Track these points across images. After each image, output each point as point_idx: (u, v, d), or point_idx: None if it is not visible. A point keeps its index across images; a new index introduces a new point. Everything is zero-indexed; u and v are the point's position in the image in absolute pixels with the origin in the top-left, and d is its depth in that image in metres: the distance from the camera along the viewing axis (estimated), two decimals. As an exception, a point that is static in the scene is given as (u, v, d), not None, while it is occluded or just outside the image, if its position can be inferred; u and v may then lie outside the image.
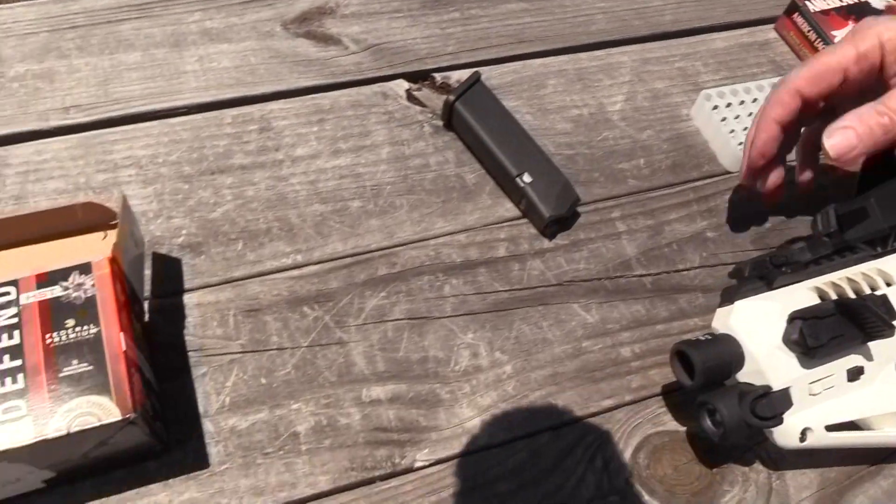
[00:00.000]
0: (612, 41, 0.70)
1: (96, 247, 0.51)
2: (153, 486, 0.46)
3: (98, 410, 0.39)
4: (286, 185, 0.57)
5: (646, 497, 0.48)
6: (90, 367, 0.40)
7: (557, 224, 0.57)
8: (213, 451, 0.47)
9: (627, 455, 0.50)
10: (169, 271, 0.53)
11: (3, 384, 0.39)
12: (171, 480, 0.46)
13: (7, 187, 0.55)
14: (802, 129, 0.54)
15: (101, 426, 0.39)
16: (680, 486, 0.49)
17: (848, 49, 0.48)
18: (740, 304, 0.47)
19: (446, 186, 0.59)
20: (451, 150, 0.61)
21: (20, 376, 0.40)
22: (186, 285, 0.52)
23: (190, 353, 0.50)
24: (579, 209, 0.59)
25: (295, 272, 0.53)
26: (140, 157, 0.57)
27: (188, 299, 0.52)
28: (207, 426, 0.48)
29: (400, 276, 0.54)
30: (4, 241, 0.49)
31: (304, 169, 0.58)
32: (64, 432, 0.39)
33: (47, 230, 0.51)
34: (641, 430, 0.51)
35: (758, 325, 0.46)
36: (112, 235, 0.52)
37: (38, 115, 0.58)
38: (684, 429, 0.51)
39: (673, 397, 0.52)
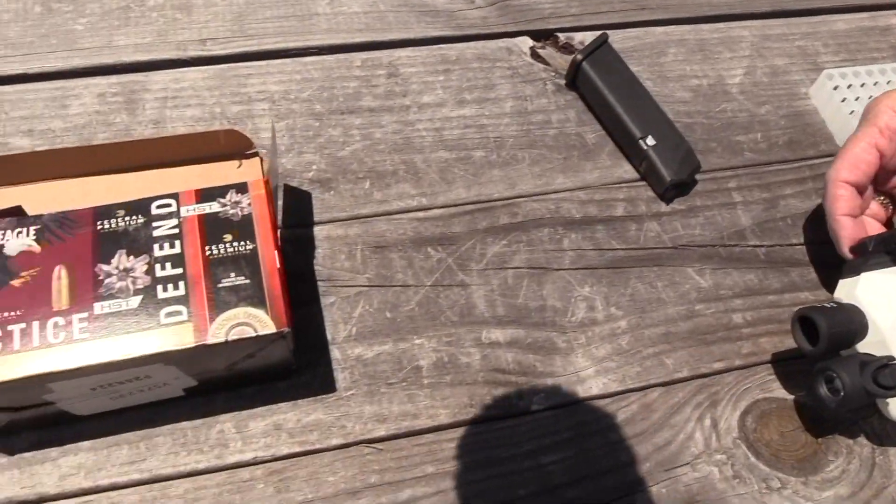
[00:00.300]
0: (734, 14, 0.70)
1: (232, 174, 0.53)
2: (282, 405, 0.48)
3: (254, 322, 0.41)
4: (412, 130, 0.59)
5: (752, 458, 0.49)
6: (247, 281, 0.42)
7: (676, 189, 0.57)
8: (340, 377, 0.49)
9: (735, 417, 0.51)
10: (299, 204, 0.54)
11: (165, 290, 0.41)
12: (299, 401, 0.48)
13: (146, 112, 0.57)
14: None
15: (257, 337, 0.41)
16: (785, 451, 0.50)
17: (870, 129, 0.51)
18: (867, 276, 0.48)
19: (567, 144, 0.60)
20: (572, 109, 0.61)
21: (181, 284, 0.42)
22: (316, 218, 0.54)
23: (319, 283, 0.52)
24: (696, 177, 0.59)
25: (420, 214, 0.55)
26: (273, 93, 0.59)
27: (318, 231, 0.54)
28: (335, 353, 0.49)
29: (521, 227, 0.55)
30: (152, 160, 0.51)
31: (429, 116, 0.60)
32: (222, 339, 0.41)
33: (188, 154, 0.53)
34: (750, 394, 0.52)
35: (884, 298, 0.47)
36: (247, 165, 0.54)
37: (176, 44, 0.60)
38: (792, 397, 0.52)
39: (782, 366, 0.53)
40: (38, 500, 0.44)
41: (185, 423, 0.47)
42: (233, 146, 0.53)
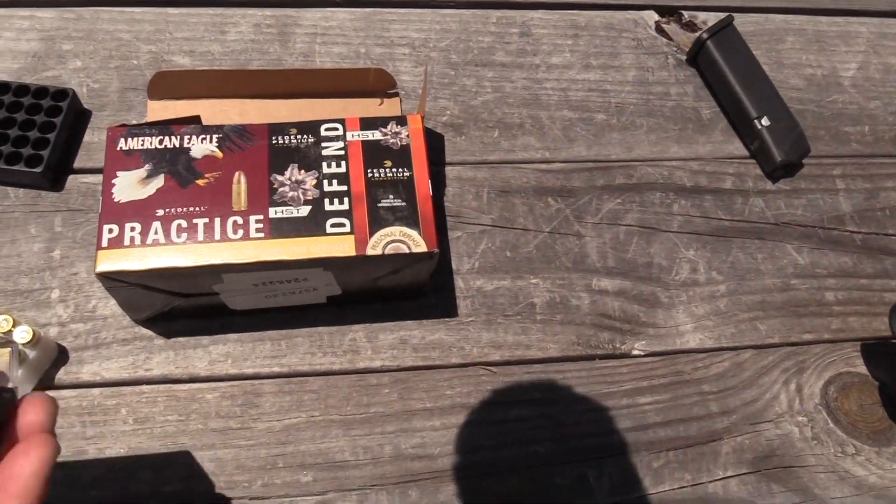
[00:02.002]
0: (853, 10, 0.72)
1: (373, 110, 0.58)
2: (409, 322, 0.53)
3: (408, 240, 0.46)
4: (540, 87, 0.63)
5: (830, 424, 0.53)
6: (403, 204, 0.47)
7: (784, 169, 0.61)
8: (461, 304, 0.54)
9: (819, 385, 0.55)
10: (433, 144, 0.59)
11: (332, 203, 0.46)
12: (424, 321, 0.53)
13: (297, 45, 0.62)
14: None
15: (409, 254, 0.46)
16: (862, 422, 0.54)
17: None
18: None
19: (683, 117, 0.63)
20: (690, 85, 0.65)
21: (346, 199, 0.47)
22: (447, 159, 0.59)
23: (448, 218, 0.56)
24: (804, 161, 0.62)
25: (542, 166, 0.59)
26: (413, 39, 0.63)
27: (449, 171, 0.58)
28: (458, 282, 0.54)
29: (635, 188, 0.59)
30: (302, 90, 0.56)
31: (556, 76, 0.63)
32: (379, 252, 0.45)
33: (338, 87, 0.57)
34: (835, 366, 0.55)
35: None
36: (387, 104, 0.59)
37: (326, -15, 0.65)
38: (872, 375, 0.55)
39: (867, 346, 0.56)
40: (189, 379, 0.50)
41: (322, 328, 0.52)
42: (379, 85, 0.58)
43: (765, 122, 0.60)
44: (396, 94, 0.59)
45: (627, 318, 0.54)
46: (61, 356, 0.49)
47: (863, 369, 0.56)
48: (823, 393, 0.54)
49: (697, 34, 0.63)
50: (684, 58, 0.65)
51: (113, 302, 0.50)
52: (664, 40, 0.66)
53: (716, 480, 0.50)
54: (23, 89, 0.56)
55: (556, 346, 0.53)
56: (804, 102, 0.65)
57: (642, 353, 0.53)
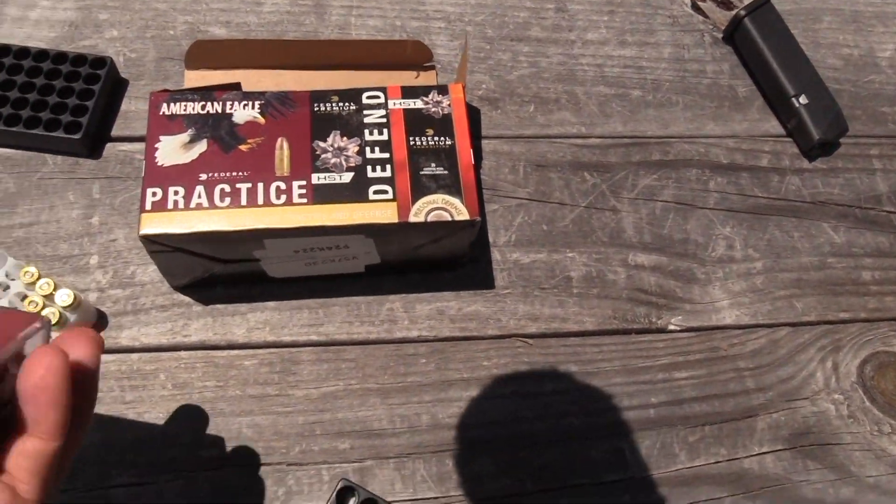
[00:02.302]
0: (891, -10, 0.71)
1: (409, 83, 0.58)
2: (446, 294, 0.53)
3: (450, 208, 0.46)
4: (576, 63, 0.62)
5: (867, 402, 0.53)
6: (445, 172, 0.47)
7: (821, 148, 0.60)
8: (498, 276, 0.54)
9: (855, 364, 0.54)
10: (470, 119, 0.59)
11: (374, 170, 0.46)
12: (461, 292, 0.53)
13: (332, 17, 0.62)
14: None
15: (452, 222, 0.46)
16: (899, 402, 0.54)
17: None
18: None
19: (719, 94, 0.63)
20: (727, 63, 0.65)
21: (388, 167, 0.47)
22: (484, 133, 0.59)
23: (484, 191, 0.56)
24: (840, 140, 0.62)
25: (579, 141, 0.59)
26: (449, 13, 0.63)
27: (485, 145, 0.58)
28: (495, 255, 0.54)
29: (671, 164, 0.59)
30: (339, 61, 0.56)
31: (592, 52, 0.63)
32: (422, 220, 0.45)
33: (374, 59, 0.57)
34: (871, 345, 0.55)
35: None
36: (423, 76, 0.59)
37: (362, -42, 0.65)
38: (911, 354, 0.55)
39: (904, 325, 0.56)
40: (227, 345, 0.50)
41: (359, 298, 0.52)
42: (416, 57, 0.58)
43: (802, 100, 0.59)
44: (433, 68, 0.59)
45: (664, 294, 0.54)
46: (100, 321, 0.49)
47: (899, 349, 0.55)
48: (860, 372, 0.54)
49: (734, 12, 0.63)
50: (720, 36, 0.65)
51: (152, 268, 0.50)
52: (700, 18, 0.66)
53: (751, 456, 0.50)
54: (61, 57, 0.56)
55: (593, 320, 0.53)
56: (841, 82, 0.65)
57: (678, 329, 0.53)
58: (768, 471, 0.50)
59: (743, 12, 0.62)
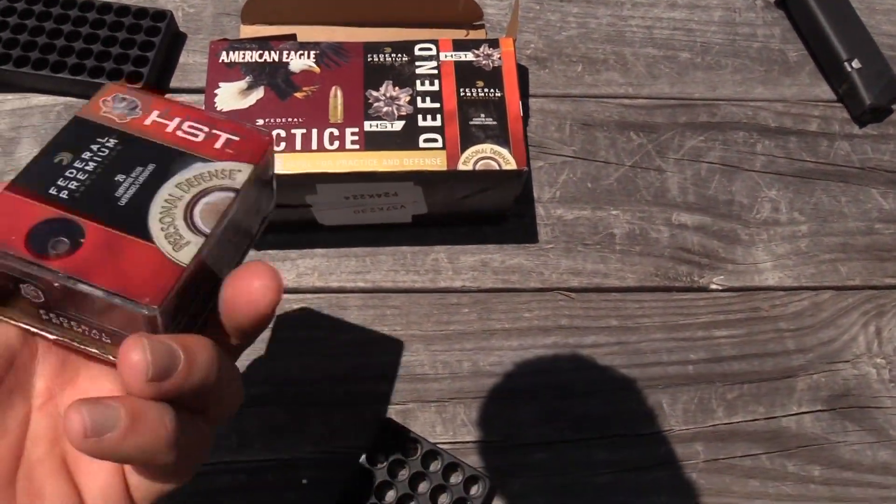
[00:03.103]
0: (951, -43, 0.70)
1: (458, 41, 0.58)
2: (490, 247, 0.54)
3: (498, 158, 0.47)
4: (625, 24, 0.63)
5: (909, 368, 0.53)
6: (494, 123, 0.48)
7: (872, 113, 0.60)
8: (542, 231, 0.54)
9: (899, 330, 0.54)
10: (518, 76, 0.59)
11: (425, 119, 0.47)
12: (504, 245, 0.54)
13: (384, -24, 0.63)
14: None
15: (499, 171, 0.47)
16: (942, 368, 0.53)
17: None
18: None
19: (769, 59, 0.63)
20: (778, 27, 0.64)
21: (438, 116, 0.48)
22: (531, 91, 0.59)
23: (530, 147, 0.57)
24: (893, 107, 0.61)
25: (626, 101, 0.59)
26: (499, -27, 0.64)
27: (532, 103, 0.59)
28: (539, 210, 0.55)
29: (718, 126, 0.59)
30: (392, 17, 0.57)
31: (642, 14, 0.63)
32: (470, 168, 0.46)
33: (426, 16, 0.58)
34: (916, 312, 0.55)
35: None
36: (472, 35, 0.59)
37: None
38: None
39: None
40: (277, 290, 0.51)
41: (405, 248, 0.53)
42: (466, 15, 0.59)
43: (855, 64, 0.59)
44: (482, 26, 0.60)
45: (706, 253, 0.54)
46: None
47: (945, 316, 0.55)
48: (903, 337, 0.54)
49: (788, -25, 0.62)
50: (773, 0, 0.64)
51: (208, 212, 0.52)
52: (753, -18, 0.65)
53: (790, 415, 0.51)
54: (124, 10, 0.58)
55: (634, 276, 0.53)
56: None
57: (720, 288, 0.54)
58: (806, 430, 0.50)
59: (797, -24, 0.61)
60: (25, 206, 0.25)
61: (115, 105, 0.30)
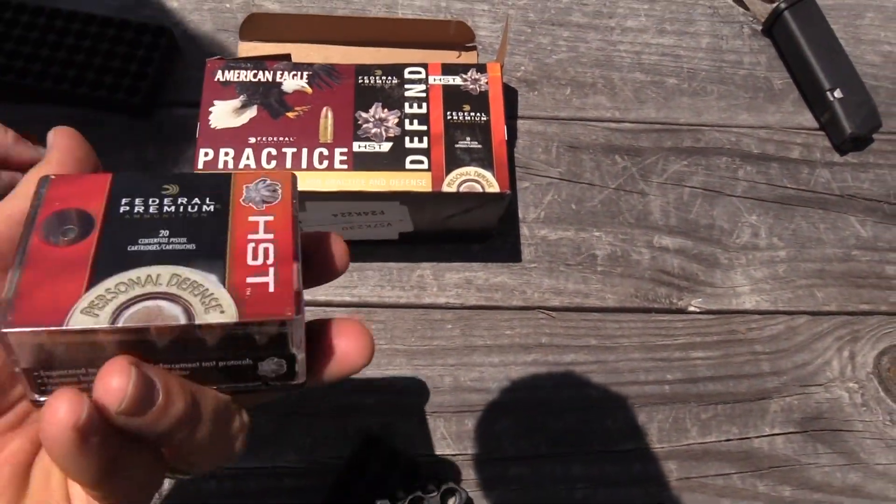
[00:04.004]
0: (936, -11, 0.71)
1: (451, 62, 0.60)
2: (474, 265, 0.55)
3: (482, 181, 0.48)
4: (614, 49, 0.64)
5: (881, 393, 0.54)
6: (479, 146, 0.49)
7: (853, 142, 0.61)
8: (526, 250, 0.56)
9: (872, 355, 0.56)
10: (507, 97, 0.61)
11: (412, 141, 0.49)
12: (489, 264, 0.55)
13: (380, -4, 0.65)
14: None
15: (482, 194, 0.48)
16: (914, 394, 0.55)
17: None
18: None
19: (755, 86, 0.64)
20: (764, 55, 0.66)
21: (425, 138, 0.49)
22: (520, 113, 0.61)
23: (517, 168, 0.58)
24: (874, 136, 0.63)
25: (612, 125, 0.61)
26: (493, -4, 0.65)
27: (520, 124, 0.60)
28: (524, 230, 0.57)
29: (702, 151, 0.61)
30: (384, 38, 0.58)
31: (631, 40, 0.65)
32: (454, 190, 0.48)
33: (419, 37, 0.60)
34: (890, 338, 0.56)
35: None
36: (464, 56, 0.61)
37: (411, -60, 0.67)
38: (929, 349, 0.56)
39: (924, 320, 0.57)
40: (266, 302, 0.53)
41: (392, 264, 0.55)
42: (458, 37, 0.60)
43: (837, 94, 0.60)
44: (474, 48, 0.62)
45: (686, 276, 0.56)
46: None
47: (918, 343, 0.56)
48: (876, 363, 0.55)
49: (775, 5, 0.64)
50: (760, 28, 0.66)
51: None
52: (740, 9, 0.67)
53: (762, 436, 0.52)
54: (125, 24, 0.59)
55: (615, 297, 0.55)
56: (879, 79, 0.66)
57: (698, 311, 0.55)
58: (778, 451, 0.51)
59: (783, 5, 0.63)
60: None
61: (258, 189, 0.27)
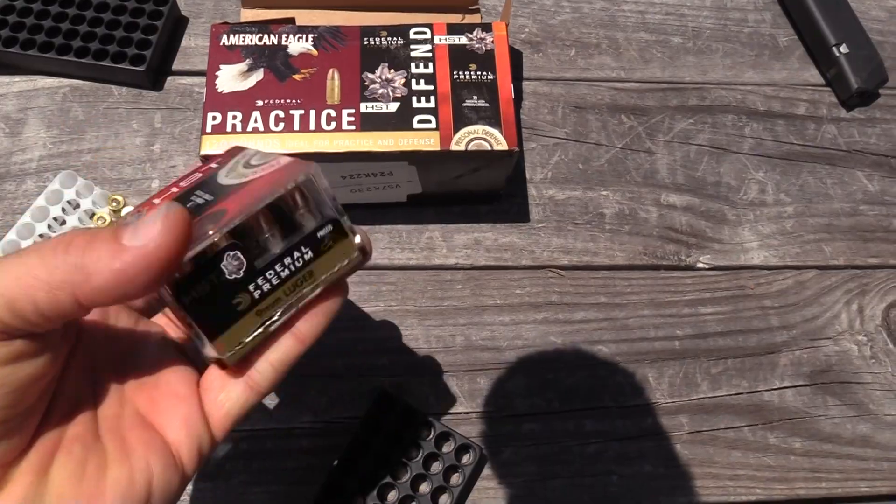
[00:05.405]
0: (942, -57, 0.71)
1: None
2: (483, 225, 0.55)
3: (490, 139, 0.48)
4: (618, 10, 0.64)
5: (890, 345, 0.55)
6: (486, 105, 0.49)
7: (860, 97, 0.61)
8: (534, 210, 0.56)
9: (881, 308, 0.56)
10: (512, 59, 0.61)
11: (419, 101, 0.49)
12: (497, 224, 0.55)
13: (382, -39, 0.64)
14: None
15: (491, 151, 0.48)
16: (922, 345, 0.55)
17: None
18: None
19: (760, 43, 0.64)
20: (769, 12, 0.65)
21: (432, 98, 0.49)
22: (525, 74, 0.61)
23: (523, 130, 0.58)
24: (880, 91, 0.63)
25: (618, 84, 0.61)
26: (495, -41, 0.65)
27: (525, 86, 0.60)
28: (531, 190, 0.57)
29: (708, 110, 0.60)
30: (387, 3, 0.58)
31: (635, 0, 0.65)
32: (462, 148, 0.48)
33: (419, 2, 0.59)
34: (898, 291, 0.56)
35: None
36: (468, 19, 0.61)
37: None
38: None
39: (932, 273, 0.57)
40: (276, 266, 0.53)
41: (401, 227, 0.55)
42: (461, 0, 0.60)
43: (843, 49, 0.60)
44: (478, 11, 0.61)
45: (694, 233, 0.56)
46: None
47: (926, 295, 0.56)
48: (885, 315, 0.55)
49: (779, -39, 0.63)
50: (764, -15, 0.66)
51: (210, 191, 0.54)
52: (745, -33, 0.67)
53: (772, 390, 0.52)
54: (127, -7, 0.59)
55: (623, 255, 0.55)
56: (885, 34, 0.65)
57: (706, 267, 0.55)
58: (787, 404, 0.52)
59: (787, -39, 0.62)
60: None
61: None
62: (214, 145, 0.46)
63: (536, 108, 0.59)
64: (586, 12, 0.63)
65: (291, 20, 0.53)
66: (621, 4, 0.64)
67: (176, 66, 0.59)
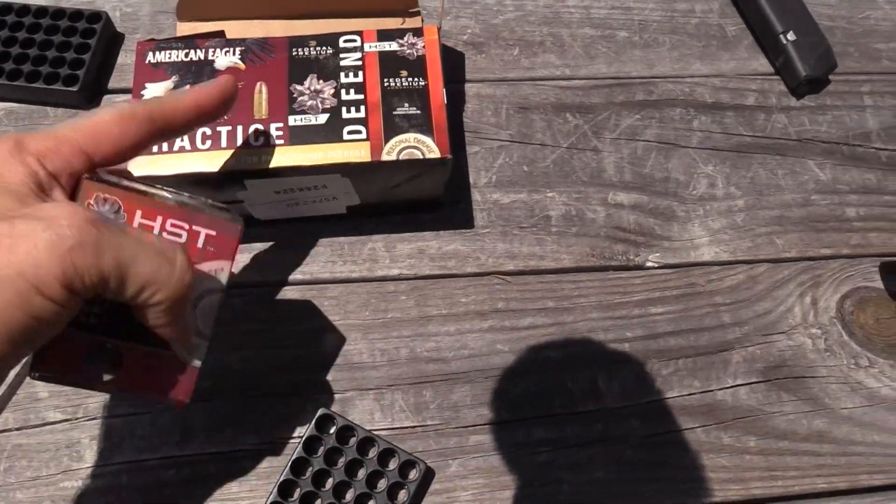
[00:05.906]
0: (892, -77, 0.70)
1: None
2: (426, 234, 0.54)
3: (422, 147, 0.47)
4: (562, 6, 0.63)
5: (845, 337, 0.54)
6: (417, 112, 0.48)
7: (809, 85, 0.60)
8: (478, 216, 0.55)
9: (835, 299, 0.55)
10: (453, 62, 0.60)
11: (349, 111, 0.48)
12: (441, 232, 0.54)
13: (321, -33, 0.63)
14: None
15: (423, 160, 0.47)
16: (878, 336, 0.54)
17: None
18: None
19: (707, 34, 0.63)
20: (716, 2, 0.64)
21: (362, 108, 0.48)
22: (467, 77, 0.60)
23: (466, 133, 0.57)
24: (830, 77, 0.61)
25: (562, 83, 0.60)
26: (436, -41, 0.64)
27: (468, 88, 0.59)
28: (475, 195, 0.56)
29: (655, 104, 0.59)
30: (325, 10, 0.57)
31: (579, -6, 0.63)
32: (394, 158, 0.47)
33: (360, 7, 0.58)
34: (852, 281, 0.56)
35: None
36: (408, 23, 0.59)
37: None
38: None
39: (886, 263, 0.56)
40: (218, 285, 0.52)
41: (342, 239, 0.54)
42: (399, 3, 0.59)
43: (791, 36, 0.59)
44: (418, 13, 0.60)
45: (642, 231, 0.55)
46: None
47: (881, 285, 0.55)
48: (839, 307, 0.54)
49: (724, -51, 0.62)
50: (711, -26, 0.64)
51: (145, 211, 0.53)
52: (691, -43, 0.65)
53: (725, 388, 0.51)
54: (59, 13, 0.58)
55: (570, 258, 0.54)
56: (834, 19, 0.64)
57: (656, 265, 0.54)
58: (741, 402, 0.51)
59: (731, -51, 0.61)
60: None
61: (100, 209, 0.33)
62: (141, 167, 0.45)
63: (480, 110, 0.58)
64: (530, 10, 0.62)
65: (221, 33, 0.52)
66: (566, 0, 0.62)
67: (112, 83, 0.58)
